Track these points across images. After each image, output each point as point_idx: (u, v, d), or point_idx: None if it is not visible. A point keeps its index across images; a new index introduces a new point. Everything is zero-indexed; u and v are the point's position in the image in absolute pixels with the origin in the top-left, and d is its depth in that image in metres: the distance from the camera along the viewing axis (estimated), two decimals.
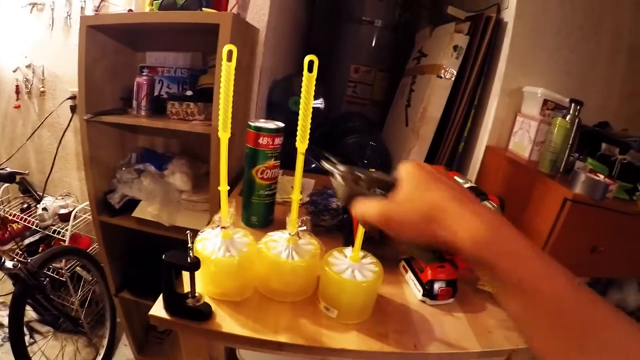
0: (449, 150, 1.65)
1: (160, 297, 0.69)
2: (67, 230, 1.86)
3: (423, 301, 0.83)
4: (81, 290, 1.97)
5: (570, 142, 1.22)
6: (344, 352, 0.67)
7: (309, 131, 0.67)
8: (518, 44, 1.43)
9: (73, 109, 1.93)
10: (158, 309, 0.68)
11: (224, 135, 0.66)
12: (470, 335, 0.75)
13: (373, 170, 0.55)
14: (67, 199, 2.00)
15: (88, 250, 1.95)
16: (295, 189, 0.72)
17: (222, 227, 0.73)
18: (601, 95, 1.53)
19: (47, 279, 1.59)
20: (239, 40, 1.32)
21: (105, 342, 2.01)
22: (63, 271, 1.81)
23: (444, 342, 0.72)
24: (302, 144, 0.66)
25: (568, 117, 1.21)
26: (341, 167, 0.55)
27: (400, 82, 2.15)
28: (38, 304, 1.66)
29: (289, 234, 0.75)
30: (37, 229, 1.95)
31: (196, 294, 0.69)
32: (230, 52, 0.61)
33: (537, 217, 1.20)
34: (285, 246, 0.74)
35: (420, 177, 0.43)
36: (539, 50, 1.45)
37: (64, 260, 1.79)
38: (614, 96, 1.56)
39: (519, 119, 1.47)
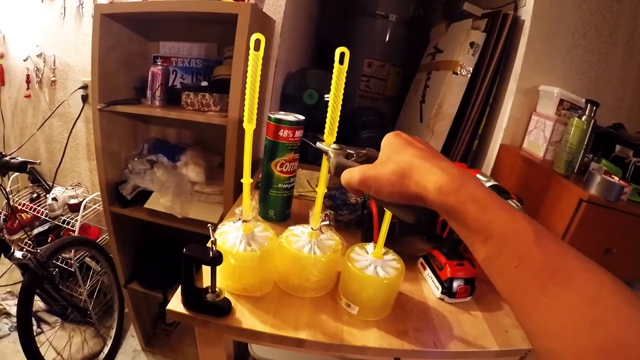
0: (463, 147, 1.64)
1: (178, 291, 0.68)
2: (76, 220, 1.86)
3: (441, 299, 0.83)
4: (90, 281, 1.97)
5: (586, 142, 1.22)
6: (365, 349, 0.67)
7: (337, 125, 0.66)
8: (534, 42, 1.42)
9: (84, 98, 1.93)
10: (176, 304, 0.67)
11: (249, 126, 0.65)
12: (488, 333, 0.75)
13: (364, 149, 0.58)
14: (77, 189, 2.00)
15: (97, 241, 1.95)
16: (321, 182, 0.71)
17: (244, 221, 0.72)
18: (615, 96, 1.53)
19: (56, 269, 1.58)
20: (256, 31, 1.29)
21: (112, 332, 2.02)
22: (72, 261, 1.81)
23: (462, 341, 0.72)
24: (330, 137, 0.65)
25: (584, 117, 1.21)
26: (333, 146, 0.59)
27: (415, 77, 2.14)
28: (46, 294, 1.65)
29: (312, 228, 0.74)
30: (47, 219, 1.95)
31: (216, 289, 0.68)
32: (258, 41, 0.60)
33: (552, 216, 1.20)
34: (307, 241, 0.74)
35: (395, 142, 0.48)
36: (555, 49, 1.44)
37: (73, 251, 1.80)
38: (627, 98, 1.55)
39: (534, 118, 1.47)
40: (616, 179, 1.10)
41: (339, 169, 0.53)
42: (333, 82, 0.63)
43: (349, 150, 0.57)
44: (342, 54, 0.61)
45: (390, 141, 0.49)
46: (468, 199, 0.38)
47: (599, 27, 1.45)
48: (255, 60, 0.61)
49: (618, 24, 1.46)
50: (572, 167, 1.23)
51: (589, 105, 1.20)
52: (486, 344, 0.73)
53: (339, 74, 0.63)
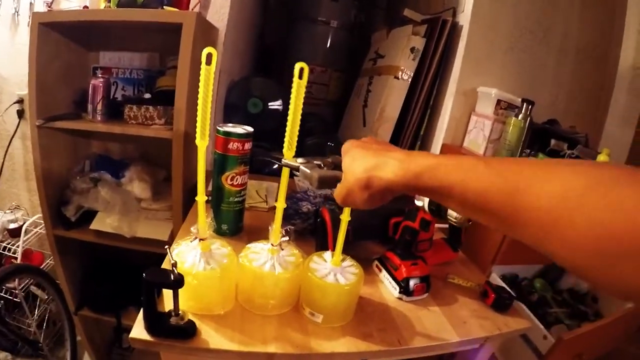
0: (406, 148, 1.69)
1: (140, 317, 0.66)
2: (18, 246, 1.74)
3: (400, 298, 0.86)
4: (37, 310, 1.84)
5: (524, 139, 1.30)
6: (334, 356, 0.68)
7: (296, 139, 0.67)
8: (473, 46, 1.49)
9: (20, 113, 1.81)
10: (139, 331, 0.65)
11: (201, 143, 0.64)
12: (448, 326, 0.80)
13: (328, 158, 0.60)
14: (16, 212, 1.87)
15: (41, 267, 1.83)
16: (280, 198, 0.71)
17: (201, 239, 0.71)
18: (550, 94, 1.64)
19: (1, 301, 1.46)
20: (201, 40, 1.29)
21: None
22: (17, 291, 1.69)
23: (424, 335, 0.76)
24: (289, 151, 0.66)
25: (520, 116, 1.29)
26: (300, 160, 0.60)
27: (356, 82, 2.18)
28: None
29: (271, 244, 0.74)
30: None
31: (179, 312, 0.66)
32: (209, 55, 0.59)
33: None
34: (267, 258, 0.73)
35: (350, 150, 0.54)
36: (492, 52, 1.53)
37: (17, 280, 1.67)
38: (561, 95, 1.66)
39: (473, 117, 1.54)
40: None
41: (323, 183, 0.56)
42: (292, 96, 0.64)
43: (315, 162, 0.59)
44: (302, 70, 0.62)
45: (345, 150, 0.54)
46: (420, 169, 0.44)
47: (534, 30, 1.55)
48: (207, 75, 0.60)
49: (552, 26, 1.56)
50: None
51: (524, 104, 1.28)
52: (447, 336, 0.77)
53: (299, 88, 0.63)
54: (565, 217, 0.30)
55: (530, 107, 1.28)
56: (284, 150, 0.66)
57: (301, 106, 0.65)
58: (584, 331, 1.02)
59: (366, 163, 0.49)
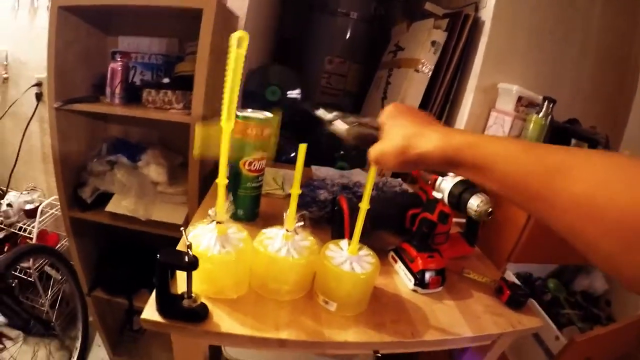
0: None
1: (152, 299, 0.66)
2: (33, 227, 1.76)
3: (415, 290, 0.85)
4: (51, 291, 1.87)
5: (544, 137, 1.28)
6: (346, 345, 0.67)
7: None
8: (494, 42, 1.47)
9: (39, 96, 1.82)
10: (151, 312, 0.65)
11: (227, 125, 0.62)
12: (462, 321, 0.78)
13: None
14: (33, 193, 1.90)
15: (56, 248, 1.86)
16: (295, 183, 0.70)
17: (218, 222, 0.70)
18: (569, 94, 1.61)
19: (16, 280, 1.48)
20: (221, 27, 1.29)
21: (78, 343, 1.92)
22: (31, 271, 1.72)
23: (438, 329, 0.75)
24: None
25: (541, 114, 1.27)
26: (336, 113, 0.63)
27: (375, 74, 2.16)
28: (6, 308, 1.56)
29: (287, 230, 0.73)
30: (2, 226, 1.83)
31: (192, 294, 0.66)
32: (240, 39, 0.57)
33: (513, 208, 1.25)
34: (282, 243, 0.72)
35: (392, 113, 0.57)
36: (513, 49, 1.51)
37: (31, 260, 1.69)
38: (580, 95, 1.64)
39: (493, 114, 1.52)
40: None
41: (356, 138, 0.59)
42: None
43: (350, 119, 0.61)
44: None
45: (388, 111, 0.58)
46: (461, 145, 0.45)
47: (554, 29, 1.53)
48: (237, 58, 0.58)
49: (572, 26, 1.54)
50: None
51: (546, 102, 1.26)
52: (460, 331, 0.75)
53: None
54: (604, 202, 0.30)
55: (552, 105, 1.26)
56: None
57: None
58: (597, 334, 1.00)
59: (407, 130, 0.52)
